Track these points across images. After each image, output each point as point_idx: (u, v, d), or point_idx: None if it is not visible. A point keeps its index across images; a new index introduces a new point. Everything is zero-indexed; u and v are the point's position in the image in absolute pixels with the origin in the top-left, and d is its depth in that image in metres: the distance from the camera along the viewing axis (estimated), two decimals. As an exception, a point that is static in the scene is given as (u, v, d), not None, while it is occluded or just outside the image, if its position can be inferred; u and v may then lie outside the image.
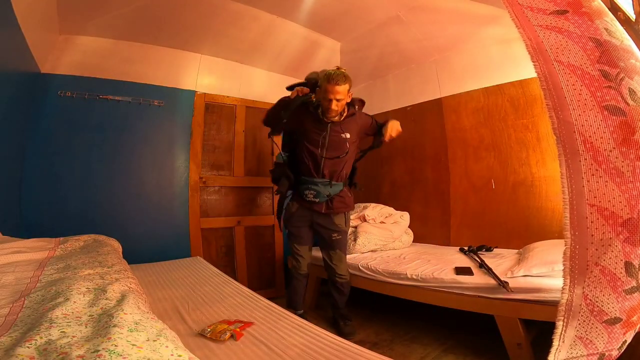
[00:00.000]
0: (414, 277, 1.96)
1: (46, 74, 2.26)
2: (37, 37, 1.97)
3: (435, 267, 2.02)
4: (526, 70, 2.36)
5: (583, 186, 0.69)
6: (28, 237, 1.54)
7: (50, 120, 2.26)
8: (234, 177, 2.99)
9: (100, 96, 2.41)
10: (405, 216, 2.90)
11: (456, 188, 2.78)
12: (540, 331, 1.67)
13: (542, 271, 1.57)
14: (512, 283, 1.59)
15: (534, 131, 2.38)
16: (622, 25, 0.77)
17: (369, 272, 2.23)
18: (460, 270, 1.86)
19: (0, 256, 1.16)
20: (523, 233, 2.32)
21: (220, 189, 2.93)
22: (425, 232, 2.95)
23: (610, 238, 0.66)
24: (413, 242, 2.93)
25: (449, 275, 1.84)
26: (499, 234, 2.48)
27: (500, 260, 2.03)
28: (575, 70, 0.70)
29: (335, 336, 1.09)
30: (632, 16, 1.20)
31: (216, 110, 2.95)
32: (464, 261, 2.09)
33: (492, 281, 1.66)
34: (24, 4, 1.65)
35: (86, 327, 0.63)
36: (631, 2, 1.25)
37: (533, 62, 0.76)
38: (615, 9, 1.18)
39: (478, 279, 1.74)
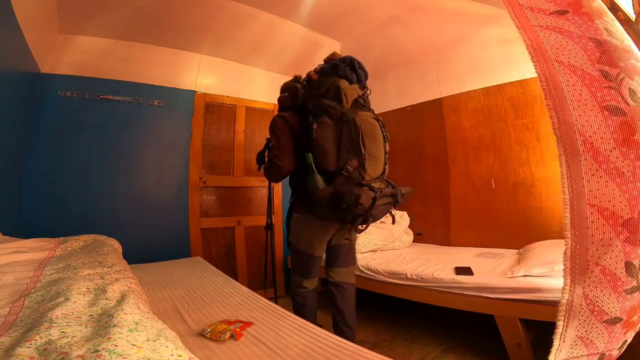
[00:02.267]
0: (414, 277, 1.96)
1: (46, 74, 2.26)
2: (37, 37, 1.97)
3: (435, 267, 2.02)
4: (526, 70, 2.37)
5: (583, 186, 0.69)
6: (28, 237, 1.54)
7: (50, 120, 2.26)
8: (234, 177, 2.99)
9: (100, 96, 2.41)
10: (405, 216, 2.90)
11: (456, 188, 2.78)
12: (540, 331, 1.67)
13: (542, 271, 1.58)
14: (512, 283, 1.59)
15: (534, 131, 2.39)
16: (622, 26, 0.77)
17: (369, 272, 2.23)
18: (460, 270, 1.86)
19: (0, 256, 1.16)
20: (523, 233, 2.32)
21: (220, 189, 2.93)
22: (425, 232, 2.95)
23: (611, 238, 0.66)
24: (413, 242, 2.93)
25: (449, 275, 1.84)
26: (499, 234, 2.48)
27: (500, 260, 2.03)
28: (576, 70, 0.70)
29: (335, 336, 1.08)
30: (632, 16, 1.20)
31: (216, 110, 2.94)
32: (464, 261, 2.09)
33: (492, 281, 1.66)
34: (24, 4, 1.65)
35: (86, 327, 0.63)
36: (631, 2, 1.25)
37: (533, 62, 0.76)
38: (615, 9, 1.18)
39: (478, 279, 1.74)
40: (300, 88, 1.72)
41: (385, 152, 1.59)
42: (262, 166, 1.84)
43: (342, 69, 1.62)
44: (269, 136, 1.75)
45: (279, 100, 1.85)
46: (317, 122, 1.53)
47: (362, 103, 1.65)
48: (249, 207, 3.05)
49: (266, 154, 1.86)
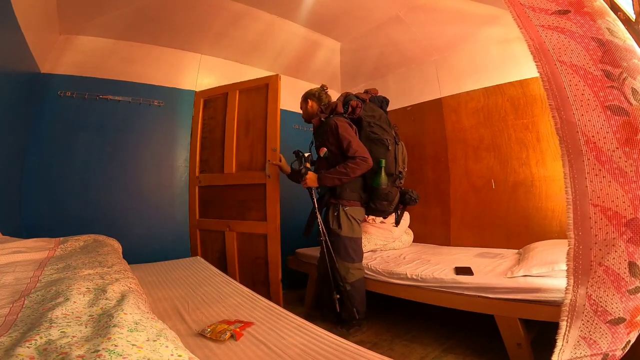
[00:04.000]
0: (414, 277, 1.96)
1: (46, 74, 2.26)
2: (37, 37, 1.97)
3: (435, 267, 2.02)
4: (526, 70, 2.37)
5: (586, 186, 0.69)
6: (28, 237, 1.54)
7: (50, 120, 2.26)
8: (224, 174, 2.60)
9: (100, 96, 2.41)
10: (406, 216, 2.90)
11: (456, 188, 2.78)
12: (540, 331, 1.67)
13: (542, 271, 1.57)
14: (512, 283, 1.59)
15: (534, 131, 2.39)
16: (622, 25, 0.77)
17: (369, 272, 2.23)
18: (460, 270, 1.86)
19: (0, 256, 1.16)
20: (523, 233, 2.32)
21: (212, 188, 2.69)
22: (425, 232, 2.95)
23: (614, 238, 0.66)
24: (413, 242, 2.93)
25: (449, 275, 1.84)
26: (499, 234, 2.48)
27: (500, 260, 2.03)
28: (578, 70, 0.70)
29: (335, 336, 1.08)
30: (632, 16, 1.20)
31: (211, 104, 2.80)
32: (464, 261, 2.09)
33: (492, 281, 1.66)
34: (24, 4, 1.65)
35: (86, 327, 0.63)
36: (631, 2, 1.25)
37: (535, 62, 0.76)
38: (615, 9, 1.18)
39: (478, 279, 1.74)
40: (360, 104, 2.18)
41: None
42: (327, 171, 2.06)
43: (384, 106, 2.30)
44: (297, 149, 2.21)
45: (328, 105, 2.21)
46: (388, 140, 2.08)
47: (397, 133, 2.22)
48: (240, 209, 2.53)
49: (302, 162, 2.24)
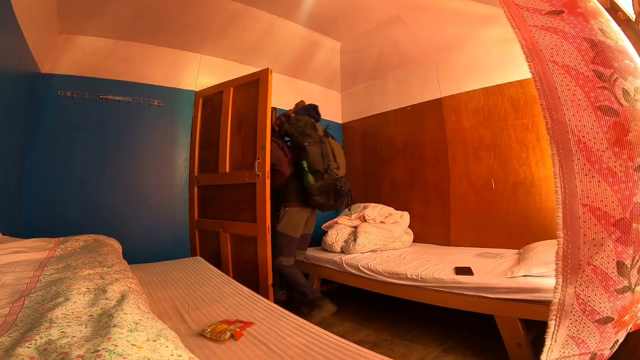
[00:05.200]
0: (414, 277, 1.96)
1: (46, 74, 2.27)
2: (37, 37, 1.98)
3: (435, 267, 2.03)
4: (526, 70, 2.34)
5: (576, 186, 0.69)
6: (28, 237, 1.54)
7: (50, 120, 2.26)
8: (219, 173, 2.57)
9: (100, 96, 2.42)
10: (405, 216, 2.90)
11: (456, 188, 2.78)
12: (540, 331, 1.67)
13: (542, 271, 1.58)
14: (512, 283, 1.59)
15: (534, 131, 2.39)
16: (622, 26, 0.77)
17: (369, 272, 2.23)
18: (460, 270, 1.86)
19: (0, 256, 1.16)
20: (523, 233, 2.32)
21: (209, 188, 2.68)
22: (425, 232, 2.95)
23: (603, 238, 0.66)
24: (413, 242, 2.93)
25: (449, 275, 1.84)
26: (499, 234, 2.48)
27: (500, 260, 2.03)
28: (570, 70, 0.70)
29: (335, 336, 1.08)
30: (632, 16, 1.20)
31: (209, 103, 2.80)
32: (464, 261, 2.09)
33: (492, 281, 1.66)
34: (24, 4, 1.66)
35: (86, 327, 0.63)
36: (631, 2, 1.25)
37: (528, 62, 0.77)
38: (615, 9, 1.18)
39: (478, 279, 1.74)
40: (285, 122, 2.46)
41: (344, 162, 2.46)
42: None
43: (312, 112, 2.50)
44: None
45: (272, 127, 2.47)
46: (307, 142, 2.30)
47: (328, 133, 2.48)
48: (234, 210, 2.46)
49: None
